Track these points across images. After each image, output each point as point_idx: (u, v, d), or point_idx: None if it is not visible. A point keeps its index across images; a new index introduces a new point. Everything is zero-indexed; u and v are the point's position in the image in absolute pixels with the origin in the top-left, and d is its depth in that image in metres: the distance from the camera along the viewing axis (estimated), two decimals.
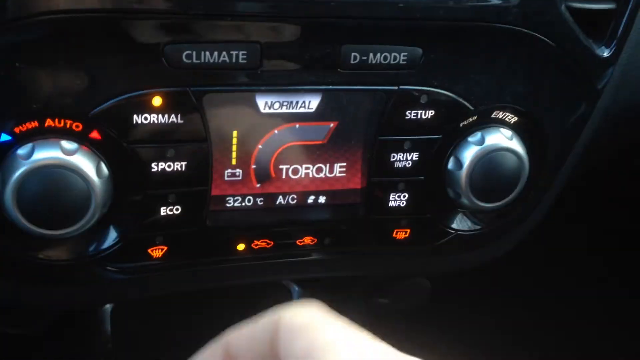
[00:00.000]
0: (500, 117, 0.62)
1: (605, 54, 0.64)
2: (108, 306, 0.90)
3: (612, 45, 0.64)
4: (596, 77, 0.65)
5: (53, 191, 0.51)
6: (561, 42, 0.61)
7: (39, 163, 0.50)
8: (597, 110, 0.67)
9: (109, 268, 0.58)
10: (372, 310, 0.99)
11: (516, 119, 0.63)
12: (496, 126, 0.62)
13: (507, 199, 0.63)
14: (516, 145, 0.62)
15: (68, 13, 0.48)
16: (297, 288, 0.92)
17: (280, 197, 0.61)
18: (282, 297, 0.91)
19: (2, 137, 0.51)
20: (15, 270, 0.56)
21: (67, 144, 0.51)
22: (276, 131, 0.58)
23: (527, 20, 0.58)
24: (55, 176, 0.50)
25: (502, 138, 0.62)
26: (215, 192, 0.59)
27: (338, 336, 0.37)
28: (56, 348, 0.95)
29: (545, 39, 0.60)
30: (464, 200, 0.62)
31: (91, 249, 0.57)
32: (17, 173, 0.50)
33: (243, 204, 0.61)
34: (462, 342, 1.12)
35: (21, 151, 0.50)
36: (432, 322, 1.10)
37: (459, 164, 0.61)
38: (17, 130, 0.51)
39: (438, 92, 0.59)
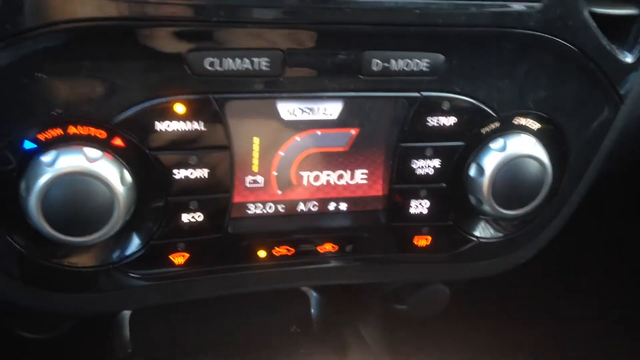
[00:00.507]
0: (523, 123, 0.62)
1: (629, 59, 0.63)
2: (127, 311, 0.90)
3: (636, 51, 0.63)
4: (619, 82, 0.64)
5: (77, 198, 0.51)
6: (584, 47, 0.60)
7: (63, 170, 0.50)
8: (620, 115, 0.66)
9: (131, 274, 0.58)
10: (389, 317, 0.98)
11: (539, 125, 0.63)
12: (518, 132, 0.62)
13: (529, 206, 0.63)
14: (539, 151, 0.61)
15: (89, 21, 0.48)
16: (314, 294, 0.92)
17: (302, 204, 0.61)
18: (300, 303, 0.91)
19: (26, 144, 0.51)
20: (38, 276, 0.57)
21: (90, 151, 0.51)
22: (298, 138, 0.58)
23: (550, 26, 0.58)
24: (79, 183, 0.51)
25: (525, 145, 0.61)
26: (236, 199, 0.59)
27: None
28: (75, 353, 0.95)
29: (568, 45, 0.59)
30: (486, 208, 0.62)
31: (115, 255, 0.57)
32: (42, 180, 0.50)
33: (264, 210, 0.61)
34: (480, 350, 1.11)
35: (45, 158, 0.51)
36: (449, 329, 1.10)
37: (480, 170, 0.61)
38: (41, 137, 0.51)
39: (460, 99, 0.58)
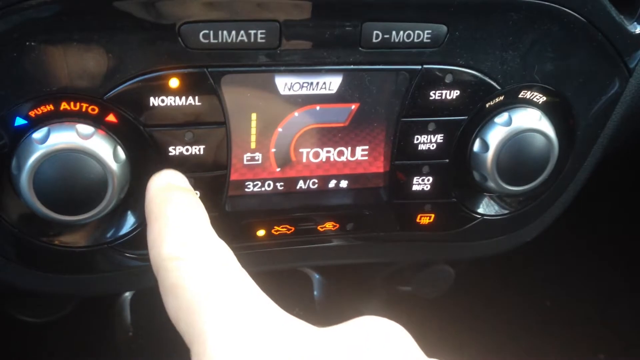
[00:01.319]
0: (528, 97, 0.60)
1: (638, 30, 0.61)
2: (128, 294, 0.89)
3: None
4: (628, 54, 0.62)
5: (69, 176, 0.50)
6: (592, 17, 0.58)
7: (54, 147, 0.49)
8: (628, 89, 0.65)
9: (127, 255, 0.57)
10: (394, 298, 0.98)
11: (545, 98, 0.61)
12: (524, 106, 0.60)
13: (535, 182, 0.61)
14: (545, 126, 0.60)
15: None
16: (317, 276, 0.91)
17: (301, 181, 0.60)
18: (303, 285, 0.90)
19: (17, 121, 0.50)
20: (32, 257, 0.56)
21: (83, 128, 0.50)
22: (296, 113, 0.57)
23: None
24: (71, 160, 0.49)
25: (531, 119, 0.59)
26: (234, 176, 0.57)
27: None
28: (76, 336, 0.95)
29: (576, 15, 0.57)
30: (490, 184, 0.60)
31: (109, 235, 0.56)
32: (33, 158, 0.49)
33: (263, 188, 0.59)
34: (485, 331, 1.10)
35: (36, 135, 0.49)
36: (454, 309, 1.09)
37: (485, 146, 0.59)
38: (32, 114, 0.50)
39: (463, 71, 0.57)
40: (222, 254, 0.43)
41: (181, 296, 0.40)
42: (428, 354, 0.40)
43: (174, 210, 0.46)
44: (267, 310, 0.40)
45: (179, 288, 0.41)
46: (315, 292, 0.92)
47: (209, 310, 0.39)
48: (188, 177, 0.55)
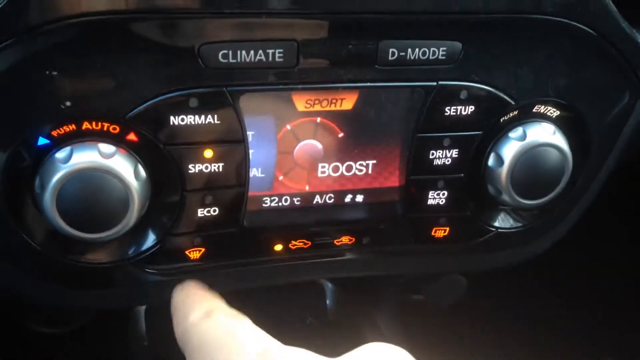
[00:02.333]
0: (542, 111, 0.61)
1: None
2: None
3: None
4: None
5: (92, 194, 0.50)
6: (604, 32, 0.59)
7: (77, 166, 0.50)
8: None
9: (147, 270, 0.58)
10: (406, 307, 0.98)
11: (558, 113, 0.61)
12: (538, 121, 0.61)
13: (549, 196, 0.62)
14: (559, 140, 0.60)
15: (100, 15, 0.48)
16: (330, 285, 0.92)
17: (317, 196, 0.61)
18: (316, 293, 0.90)
19: (40, 140, 0.51)
20: (55, 274, 0.56)
21: (104, 147, 0.51)
22: (313, 130, 0.57)
23: (568, 11, 0.56)
24: (93, 179, 0.50)
25: (545, 133, 0.60)
26: (252, 192, 0.58)
27: None
28: (91, 347, 0.96)
29: (588, 30, 0.58)
30: (505, 198, 0.61)
31: (130, 251, 0.56)
32: (56, 177, 0.50)
33: (280, 204, 0.60)
34: (498, 339, 1.10)
35: (59, 155, 0.50)
36: (467, 318, 1.09)
37: (499, 160, 0.60)
38: (54, 133, 0.50)
39: (478, 87, 0.57)
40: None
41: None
42: None
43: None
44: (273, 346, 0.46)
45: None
46: (328, 301, 0.93)
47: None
48: (207, 194, 0.56)
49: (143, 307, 0.91)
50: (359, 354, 0.41)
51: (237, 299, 0.84)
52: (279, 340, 0.84)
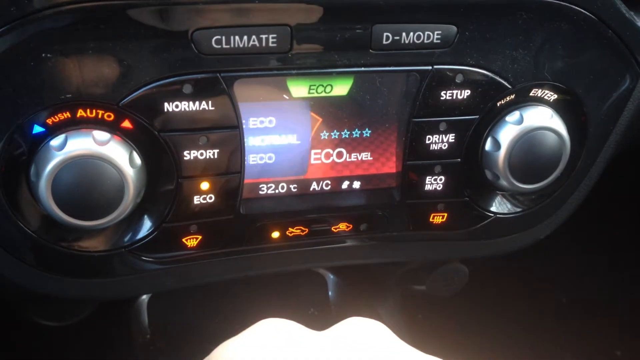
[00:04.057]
0: (539, 95, 0.60)
1: None
2: (145, 297, 0.90)
3: None
4: (639, 50, 0.62)
5: (87, 182, 0.50)
6: (602, 14, 0.58)
7: (72, 154, 0.50)
8: (639, 86, 0.64)
9: (144, 258, 0.58)
10: (408, 298, 0.98)
11: (556, 96, 0.61)
12: (535, 105, 0.60)
13: (547, 180, 0.61)
14: (557, 123, 0.60)
15: (95, 2, 0.48)
16: (331, 276, 0.92)
17: (314, 183, 0.60)
18: (317, 285, 0.90)
19: (35, 128, 0.51)
20: (51, 262, 0.56)
21: (99, 134, 0.51)
22: (308, 116, 0.57)
23: None
24: (88, 166, 0.50)
25: (542, 117, 0.60)
26: (248, 179, 0.58)
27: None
28: (93, 339, 0.96)
29: (586, 12, 0.58)
30: (503, 182, 0.61)
31: (126, 239, 0.56)
32: (51, 164, 0.50)
33: (276, 191, 0.60)
34: (501, 329, 1.10)
35: (54, 142, 0.50)
36: (469, 308, 1.09)
37: (496, 144, 0.60)
38: (49, 121, 0.51)
39: (474, 71, 0.57)
40: None
41: None
42: (444, 353, 0.41)
43: None
44: None
45: None
46: (330, 293, 0.93)
47: None
48: (202, 181, 0.56)
49: (145, 299, 0.91)
50: (339, 328, 0.42)
51: (241, 290, 0.85)
52: None
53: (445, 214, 0.64)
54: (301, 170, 0.60)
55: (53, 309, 0.91)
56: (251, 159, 0.58)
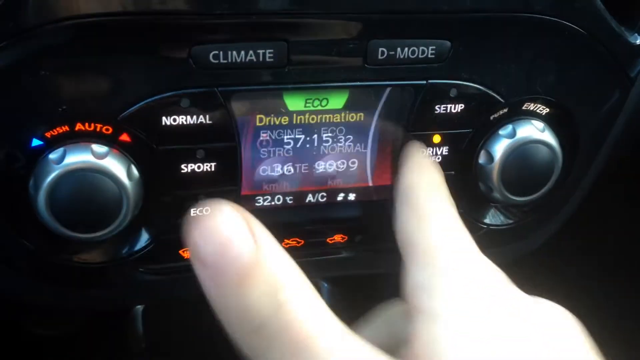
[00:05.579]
0: (532, 108, 0.61)
1: (638, 41, 0.62)
2: (140, 306, 0.90)
3: None
4: (629, 65, 0.63)
5: (85, 195, 0.51)
6: (593, 30, 0.59)
7: (70, 167, 0.50)
8: (630, 99, 0.65)
9: (141, 269, 0.58)
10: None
11: (548, 110, 0.62)
12: (527, 118, 0.61)
13: (540, 192, 0.62)
14: (548, 137, 0.61)
15: (93, 17, 0.48)
16: (326, 285, 0.92)
17: (310, 195, 0.61)
18: None
19: (33, 142, 0.51)
20: (49, 273, 0.57)
21: (98, 148, 0.51)
22: (305, 129, 0.58)
23: (557, 9, 0.57)
24: (87, 180, 0.51)
25: (534, 130, 0.60)
26: (244, 191, 0.59)
27: None
28: (89, 349, 0.96)
29: (576, 27, 0.59)
30: (496, 195, 0.61)
31: (124, 251, 0.57)
32: (50, 177, 0.50)
33: (273, 202, 0.60)
34: None
35: (53, 156, 0.51)
36: None
37: (490, 157, 0.61)
38: (48, 135, 0.51)
39: (467, 85, 0.58)
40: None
41: None
42: None
43: None
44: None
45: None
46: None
47: None
48: (199, 194, 0.56)
49: (140, 309, 0.91)
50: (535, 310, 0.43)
51: None
52: None
53: None
54: (297, 183, 0.60)
55: (48, 318, 0.91)
56: (248, 172, 0.58)
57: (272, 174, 0.59)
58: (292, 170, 0.60)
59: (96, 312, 0.87)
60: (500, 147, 0.60)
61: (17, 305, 0.75)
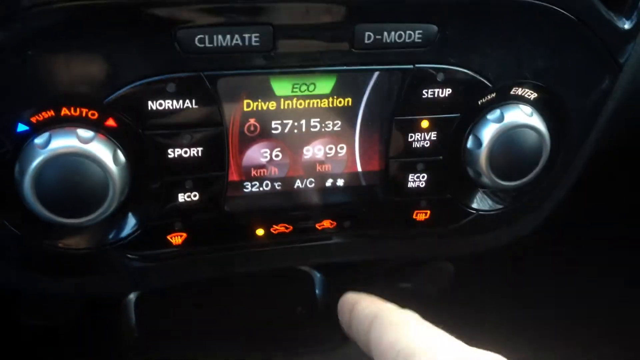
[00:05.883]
0: (520, 93, 0.61)
1: (627, 26, 0.62)
2: (132, 296, 0.90)
3: (633, 17, 0.62)
4: (617, 50, 0.63)
5: (71, 179, 0.51)
6: (581, 15, 0.59)
7: (56, 152, 0.50)
8: (618, 84, 0.65)
9: (129, 256, 0.58)
10: (395, 295, 0.98)
11: (536, 95, 0.62)
12: (515, 103, 0.61)
13: (528, 177, 0.62)
14: (536, 121, 0.61)
15: (79, 1, 0.48)
16: (318, 275, 0.92)
17: (298, 180, 0.61)
18: (304, 284, 0.91)
19: (19, 127, 0.51)
20: (35, 259, 0.57)
21: (83, 132, 0.51)
22: (292, 114, 0.58)
23: None
24: (72, 164, 0.51)
25: (522, 115, 0.60)
26: (232, 177, 0.59)
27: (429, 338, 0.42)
28: (82, 339, 0.96)
29: (565, 12, 0.59)
30: (484, 179, 0.61)
31: (111, 236, 0.57)
32: (35, 162, 0.50)
33: (261, 188, 0.60)
34: (487, 327, 1.11)
35: (38, 140, 0.51)
36: (455, 306, 1.09)
37: (478, 142, 0.60)
38: (33, 119, 0.51)
39: (455, 70, 0.58)
40: None
41: None
42: None
43: None
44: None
45: None
46: (317, 291, 0.93)
47: None
48: (187, 179, 0.56)
49: (132, 298, 0.91)
50: None
51: (228, 290, 0.85)
52: (269, 329, 0.84)
53: (428, 211, 0.64)
54: (285, 169, 0.60)
55: (38, 308, 0.91)
56: (236, 158, 0.58)
57: (261, 159, 0.59)
58: (280, 155, 0.60)
59: (87, 302, 0.87)
60: (488, 132, 0.60)
61: (8, 294, 0.74)
